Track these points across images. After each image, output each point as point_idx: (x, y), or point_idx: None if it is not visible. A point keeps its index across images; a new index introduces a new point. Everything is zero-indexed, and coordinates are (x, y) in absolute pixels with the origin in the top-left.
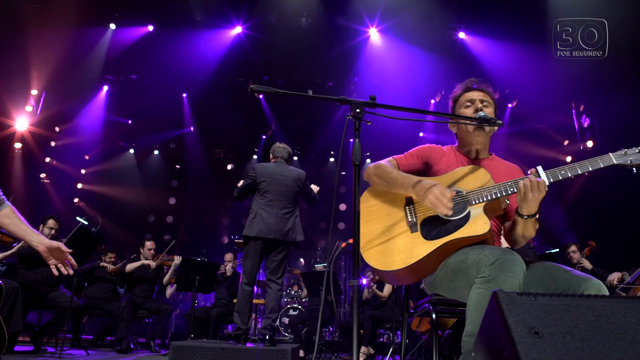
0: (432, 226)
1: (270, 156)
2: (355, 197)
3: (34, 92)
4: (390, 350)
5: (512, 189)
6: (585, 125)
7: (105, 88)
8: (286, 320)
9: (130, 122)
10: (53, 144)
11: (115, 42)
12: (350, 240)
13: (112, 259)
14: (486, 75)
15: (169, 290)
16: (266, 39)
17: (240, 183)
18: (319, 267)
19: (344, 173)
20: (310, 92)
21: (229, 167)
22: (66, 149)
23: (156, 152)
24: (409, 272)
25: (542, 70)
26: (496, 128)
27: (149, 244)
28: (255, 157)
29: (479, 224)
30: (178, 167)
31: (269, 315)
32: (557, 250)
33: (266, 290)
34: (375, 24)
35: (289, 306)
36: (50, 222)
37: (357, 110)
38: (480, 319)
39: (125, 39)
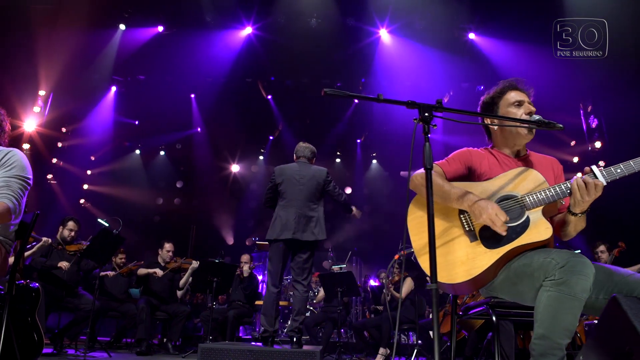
0: (491, 234)
1: (294, 156)
2: (428, 201)
3: (42, 92)
4: (415, 351)
5: (568, 191)
6: (594, 125)
7: (114, 89)
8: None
9: (137, 122)
10: (60, 144)
11: (125, 43)
12: (404, 252)
13: (123, 260)
14: (496, 75)
15: (180, 292)
16: (276, 39)
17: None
18: (335, 268)
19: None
20: (381, 96)
21: (235, 168)
22: (73, 149)
23: (162, 152)
24: (471, 283)
25: (550, 71)
26: None
27: (167, 245)
28: (261, 157)
29: (540, 229)
30: (182, 168)
31: (295, 317)
32: (579, 250)
33: (293, 292)
34: (386, 24)
35: None
36: (70, 224)
37: (426, 114)
38: (552, 322)
39: (134, 39)
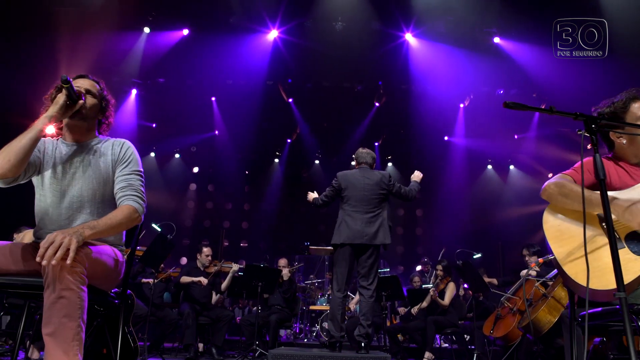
0: (638, 241)
1: (354, 162)
2: (605, 212)
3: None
4: (475, 356)
5: None
6: None
7: (134, 92)
8: (326, 325)
9: (154, 125)
10: None
11: (149, 46)
12: (540, 260)
13: (162, 265)
14: (517, 78)
15: (215, 297)
16: (300, 43)
17: (326, 191)
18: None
19: None
20: (553, 108)
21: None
22: None
23: (177, 155)
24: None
25: (571, 73)
26: None
27: (206, 250)
28: (276, 160)
29: None
30: (196, 170)
31: (362, 322)
32: None
33: (359, 297)
34: (411, 29)
35: (328, 311)
36: None
37: (592, 126)
38: None
39: (158, 42)
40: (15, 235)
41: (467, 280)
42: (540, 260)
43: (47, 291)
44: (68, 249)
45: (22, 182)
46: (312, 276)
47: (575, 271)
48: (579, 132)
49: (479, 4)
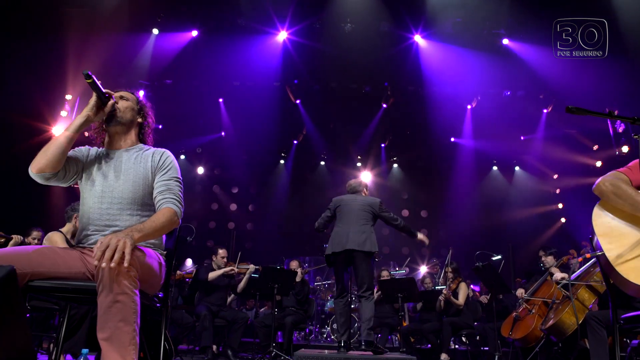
0: None
1: (347, 191)
2: None
3: (69, 97)
4: (496, 357)
5: None
6: (620, 130)
7: (142, 93)
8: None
9: (160, 127)
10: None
11: (157, 47)
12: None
13: None
14: (525, 80)
15: (230, 298)
16: (309, 44)
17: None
18: (397, 274)
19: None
20: (612, 113)
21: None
22: None
23: (182, 157)
24: None
25: (576, 75)
26: None
27: (221, 251)
28: (282, 161)
29: None
30: (201, 172)
31: (362, 323)
32: None
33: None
34: (420, 30)
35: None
36: None
37: None
38: None
39: (167, 44)
40: (25, 239)
41: (486, 282)
42: (588, 255)
43: (101, 295)
44: (123, 252)
45: (64, 183)
46: (318, 277)
47: (626, 269)
48: (635, 137)
49: (487, 6)
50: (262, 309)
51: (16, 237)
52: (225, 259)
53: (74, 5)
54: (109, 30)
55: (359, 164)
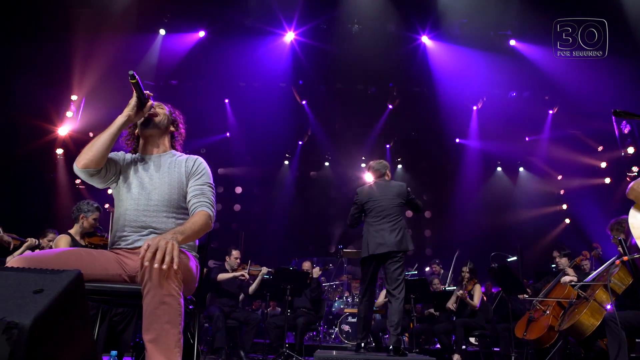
0: None
1: (371, 175)
2: None
3: (74, 97)
4: (512, 358)
5: None
6: (626, 131)
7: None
8: (345, 327)
9: None
10: None
11: (164, 48)
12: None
13: None
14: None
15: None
16: (316, 45)
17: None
18: (407, 274)
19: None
20: None
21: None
22: None
23: None
24: None
25: (581, 76)
26: None
27: (235, 253)
28: (286, 162)
29: None
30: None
31: (389, 327)
32: None
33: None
34: (427, 31)
35: (347, 313)
36: None
37: None
38: None
39: (174, 44)
40: (41, 240)
41: (501, 284)
42: (625, 258)
43: (148, 296)
44: (172, 254)
45: (102, 183)
46: (323, 278)
47: None
48: None
49: (495, 7)
50: (268, 309)
51: (30, 240)
52: (238, 260)
53: (80, 6)
54: (116, 31)
55: (363, 165)
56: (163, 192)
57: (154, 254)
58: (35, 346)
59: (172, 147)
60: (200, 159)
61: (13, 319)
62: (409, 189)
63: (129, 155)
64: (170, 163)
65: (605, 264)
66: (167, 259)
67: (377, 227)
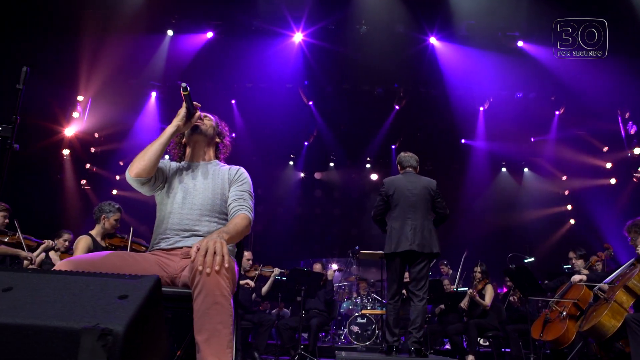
0: None
1: (398, 167)
2: None
3: (80, 98)
4: (531, 358)
5: None
6: (632, 132)
7: (154, 94)
8: (355, 328)
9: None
10: (92, 150)
11: (172, 49)
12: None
13: None
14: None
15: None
16: (324, 46)
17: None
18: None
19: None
20: None
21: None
22: (104, 155)
23: None
24: None
25: (587, 77)
26: None
27: (247, 254)
28: (291, 162)
29: None
30: None
31: (411, 329)
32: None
33: (410, 303)
34: (435, 32)
35: (356, 314)
36: None
37: None
38: None
39: (181, 45)
40: (56, 241)
41: (519, 285)
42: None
43: (199, 296)
44: (222, 255)
45: (150, 191)
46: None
47: None
48: None
49: (503, 8)
50: (274, 310)
51: (47, 242)
52: (250, 261)
53: (88, 7)
54: (124, 32)
55: (368, 165)
56: (207, 197)
57: (204, 255)
58: (128, 352)
59: (217, 157)
60: (243, 169)
61: (107, 326)
62: (437, 185)
63: (174, 163)
64: (214, 171)
65: (624, 265)
66: (218, 258)
67: (402, 222)
